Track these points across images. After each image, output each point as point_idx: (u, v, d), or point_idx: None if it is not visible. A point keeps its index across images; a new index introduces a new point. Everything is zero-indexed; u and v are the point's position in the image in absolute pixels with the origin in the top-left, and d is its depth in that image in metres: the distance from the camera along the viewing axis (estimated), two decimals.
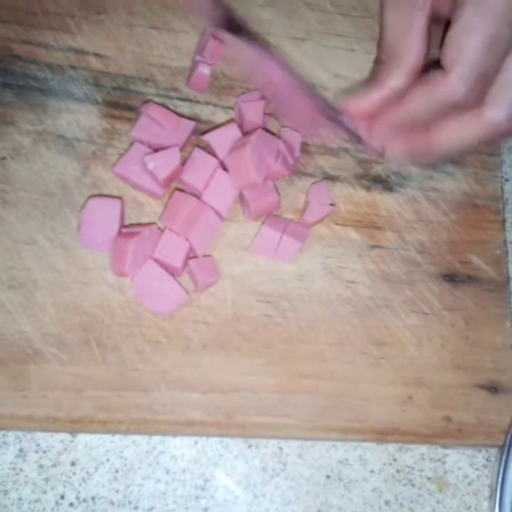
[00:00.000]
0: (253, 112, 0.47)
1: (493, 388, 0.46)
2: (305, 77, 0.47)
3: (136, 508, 0.43)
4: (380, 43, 0.43)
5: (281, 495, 0.45)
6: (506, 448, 0.44)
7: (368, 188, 0.49)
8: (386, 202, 0.49)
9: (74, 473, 0.43)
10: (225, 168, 0.46)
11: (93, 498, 0.43)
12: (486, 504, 0.46)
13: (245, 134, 0.46)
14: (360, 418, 0.44)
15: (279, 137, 0.47)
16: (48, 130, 0.47)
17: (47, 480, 0.43)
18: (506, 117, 0.40)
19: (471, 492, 0.46)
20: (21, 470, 0.43)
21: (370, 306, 0.46)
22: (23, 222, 0.45)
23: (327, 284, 0.46)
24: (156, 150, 0.45)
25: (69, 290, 0.44)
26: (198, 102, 0.49)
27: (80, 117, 0.47)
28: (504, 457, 0.44)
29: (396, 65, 0.41)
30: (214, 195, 0.45)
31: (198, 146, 0.46)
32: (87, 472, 0.44)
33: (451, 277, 0.48)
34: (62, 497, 0.43)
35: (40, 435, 0.44)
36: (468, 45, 0.38)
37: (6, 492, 0.43)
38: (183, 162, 0.46)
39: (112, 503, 0.43)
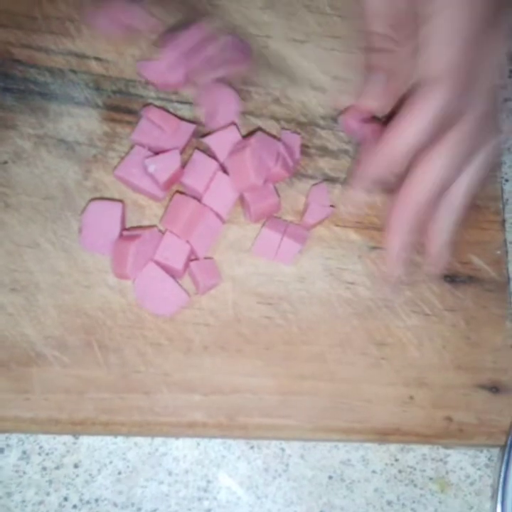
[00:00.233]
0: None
1: (494, 388, 0.46)
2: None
3: (139, 509, 0.43)
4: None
5: (283, 496, 0.45)
6: (508, 448, 0.44)
7: (368, 191, 0.49)
8: (386, 203, 0.49)
9: (77, 476, 0.44)
10: (225, 171, 0.46)
11: (96, 500, 0.43)
12: (488, 504, 0.46)
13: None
14: (361, 419, 0.44)
15: (278, 139, 0.47)
16: (49, 134, 0.47)
17: (50, 482, 0.43)
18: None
19: (473, 492, 0.46)
20: (24, 472, 0.43)
21: (370, 307, 0.46)
22: (25, 226, 0.45)
23: (327, 286, 0.46)
24: (157, 153, 0.45)
25: (70, 293, 0.44)
26: (197, 104, 0.49)
27: (80, 121, 0.47)
28: (506, 457, 0.44)
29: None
30: (214, 198, 0.46)
31: (198, 148, 0.47)
32: (90, 474, 0.44)
33: (451, 278, 0.48)
34: (65, 499, 0.43)
35: (42, 437, 0.44)
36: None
37: (9, 494, 0.43)
38: (184, 165, 0.46)
39: (115, 505, 0.43)
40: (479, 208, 0.50)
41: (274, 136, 0.47)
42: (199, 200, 0.45)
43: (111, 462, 0.44)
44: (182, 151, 0.46)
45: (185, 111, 0.49)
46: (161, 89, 0.48)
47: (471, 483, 0.46)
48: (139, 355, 0.43)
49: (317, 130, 0.50)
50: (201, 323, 0.44)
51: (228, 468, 0.45)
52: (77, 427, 0.42)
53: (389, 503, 0.45)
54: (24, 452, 0.44)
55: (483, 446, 0.46)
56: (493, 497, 0.45)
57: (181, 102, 0.49)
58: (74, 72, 0.48)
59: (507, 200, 0.52)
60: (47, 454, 0.44)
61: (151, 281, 0.44)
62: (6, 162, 0.46)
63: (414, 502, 0.45)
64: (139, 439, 0.45)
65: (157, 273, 0.44)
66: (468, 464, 0.47)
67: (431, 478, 0.46)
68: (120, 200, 0.46)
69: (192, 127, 0.47)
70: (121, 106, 0.48)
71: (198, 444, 0.45)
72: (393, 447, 0.46)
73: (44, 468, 0.44)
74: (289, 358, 0.45)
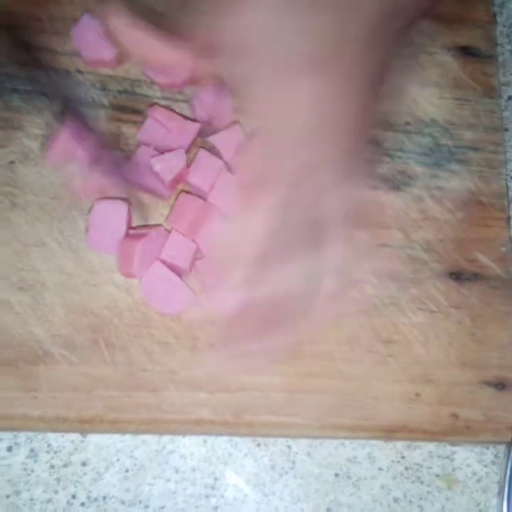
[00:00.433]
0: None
1: (500, 385, 0.46)
2: None
3: (146, 507, 0.44)
4: None
5: (290, 493, 0.45)
6: None
7: (373, 187, 0.49)
8: (392, 201, 0.49)
9: (85, 473, 0.44)
10: (230, 170, 0.46)
11: (104, 498, 0.44)
12: (495, 501, 0.46)
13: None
14: (368, 416, 0.44)
15: None
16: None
17: (58, 480, 0.44)
18: None
19: (480, 489, 0.46)
20: (33, 470, 0.44)
21: (377, 304, 0.46)
22: (32, 225, 0.45)
23: None
24: (162, 152, 0.45)
25: (77, 292, 0.44)
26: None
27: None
28: None
29: None
30: (220, 197, 0.46)
31: (204, 147, 0.47)
32: (98, 472, 0.44)
33: (457, 275, 0.48)
34: (73, 497, 0.43)
35: (51, 436, 0.44)
36: None
37: (18, 492, 0.43)
38: (189, 164, 0.46)
39: (123, 503, 0.44)
40: (484, 205, 0.50)
41: None
42: (204, 199, 0.46)
43: (118, 460, 0.44)
44: (187, 151, 0.47)
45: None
46: (166, 88, 0.49)
47: (478, 480, 0.46)
48: (145, 353, 0.44)
49: None
50: (207, 321, 0.45)
51: (235, 466, 0.45)
52: (85, 425, 0.42)
53: (395, 500, 0.45)
54: (32, 450, 0.44)
55: (490, 443, 0.46)
56: (500, 494, 0.45)
57: (187, 102, 0.49)
58: (80, 72, 0.49)
59: None
60: (55, 452, 0.44)
61: (157, 279, 0.44)
62: (13, 162, 0.46)
63: (420, 499, 0.45)
64: (147, 437, 0.45)
65: (163, 272, 0.44)
66: (474, 461, 0.47)
67: (437, 475, 0.46)
68: (126, 200, 0.46)
69: (197, 126, 0.47)
70: (127, 106, 0.48)
71: (205, 441, 0.45)
72: (400, 444, 0.46)
73: (52, 467, 0.44)
74: (296, 356, 0.45)
